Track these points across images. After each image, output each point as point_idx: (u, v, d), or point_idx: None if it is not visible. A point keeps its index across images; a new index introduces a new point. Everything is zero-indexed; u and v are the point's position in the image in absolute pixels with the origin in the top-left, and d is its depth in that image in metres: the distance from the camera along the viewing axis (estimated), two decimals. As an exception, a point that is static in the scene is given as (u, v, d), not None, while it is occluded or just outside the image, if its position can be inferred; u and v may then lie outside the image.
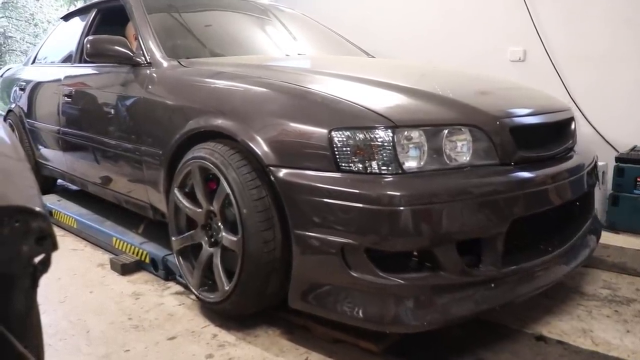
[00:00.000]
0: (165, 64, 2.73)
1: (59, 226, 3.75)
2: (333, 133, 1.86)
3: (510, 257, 2.01)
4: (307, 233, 1.89)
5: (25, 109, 4.24)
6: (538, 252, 2.16)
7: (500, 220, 1.91)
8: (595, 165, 2.66)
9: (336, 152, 1.85)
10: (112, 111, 2.98)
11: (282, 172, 1.95)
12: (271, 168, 1.97)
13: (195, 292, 2.35)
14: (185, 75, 2.59)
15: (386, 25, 5.10)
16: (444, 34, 4.69)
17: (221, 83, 2.38)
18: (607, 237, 3.45)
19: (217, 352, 2.08)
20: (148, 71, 2.76)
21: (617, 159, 3.63)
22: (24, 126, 4.26)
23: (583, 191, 2.39)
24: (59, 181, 4.48)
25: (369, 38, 5.22)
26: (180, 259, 2.45)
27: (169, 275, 2.76)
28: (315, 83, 2.21)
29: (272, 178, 1.97)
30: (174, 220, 2.46)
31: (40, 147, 4.11)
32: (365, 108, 1.91)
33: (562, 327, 2.26)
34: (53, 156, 3.93)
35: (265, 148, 2.00)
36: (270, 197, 2.01)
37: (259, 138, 2.03)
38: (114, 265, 2.93)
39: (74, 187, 4.22)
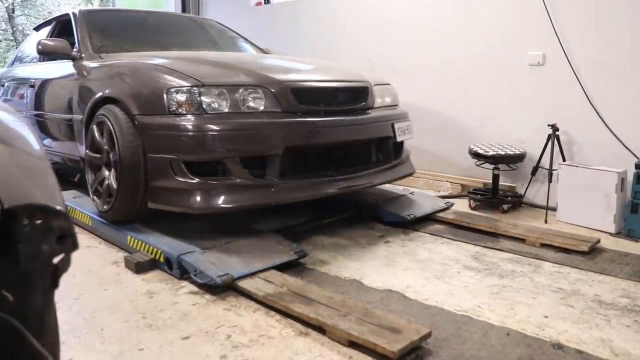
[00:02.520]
0: (91, 57, 3.86)
1: (74, 223, 3.77)
2: (166, 91, 2.97)
3: (291, 173, 3.13)
4: (154, 155, 3.01)
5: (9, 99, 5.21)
6: (314, 175, 3.25)
7: (274, 146, 2.99)
8: (393, 128, 3.67)
9: (168, 103, 2.96)
10: (58, 92, 4.12)
11: (141, 118, 3.05)
12: (136, 116, 3.07)
13: (99, 209, 3.38)
14: (99, 64, 3.72)
15: (405, 30, 5.08)
16: (463, 37, 4.65)
17: (115, 67, 3.52)
18: (626, 245, 3.41)
19: (231, 353, 2.06)
20: (81, 63, 3.86)
21: (637, 166, 3.58)
22: None
23: (365, 138, 3.54)
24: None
25: (386, 39, 5.22)
26: (89, 172, 3.52)
27: (184, 274, 2.76)
28: (159, 60, 3.32)
29: (136, 122, 3.06)
30: (91, 148, 3.48)
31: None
32: (186, 74, 3.03)
33: (581, 336, 2.22)
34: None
35: (133, 104, 3.11)
36: (137, 134, 3.05)
37: (130, 99, 3.14)
38: (128, 264, 2.93)
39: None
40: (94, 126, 3.40)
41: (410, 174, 4.00)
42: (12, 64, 5.63)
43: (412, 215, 3.66)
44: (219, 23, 5.24)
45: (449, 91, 4.80)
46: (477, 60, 4.58)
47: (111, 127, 3.15)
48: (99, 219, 3.44)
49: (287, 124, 3.09)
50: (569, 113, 4.08)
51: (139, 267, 2.88)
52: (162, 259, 2.88)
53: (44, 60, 4.69)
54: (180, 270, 2.77)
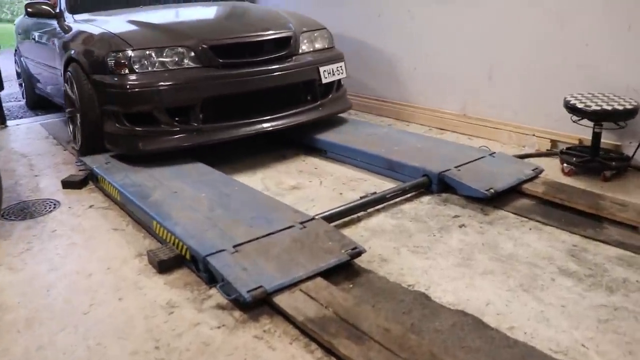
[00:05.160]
0: (68, 17, 4.45)
1: (105, 194, 3.39)
2: (107, 54, 3.54)
3: (215, 119, 3.65)
4: (104, 107, 3.59)
5: (21, 49, 6.15)
6: (235, 119, 3.72)
7: (193, 98, 3.53)
8: (318, 71, 4.08)
9: (109, 64, 3.52)
10: (50, 45, 4.66)
11: (93, 76, 3.62)
12: (90, 75, 3.64)
13: (76, 148, 4.06)
14: (73, 23, 4.30)
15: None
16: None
17: (78, 32, 4.09)
18: None
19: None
20: (62, 22, 4.43)
21: None
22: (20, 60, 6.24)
23: (285, 83, 3.93)
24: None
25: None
26: (69, 123, 4.17)
27: (212, 280, 2.30)
28: (110, 25, 3.86)
29: (90, 80, 3.63)
30: (67, 101, 4.11)
31: (30, 73, 5.87)
32: (122, 40, 3.59)
33: None
34: (34, 78, 5.80)
35: (87, 65, 3.67)
36: (92, 90, 3.62)
37: (85, 59, 3.71)
38: (151, 260, 2.50)
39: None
40: (66, 83, 4.03)
41: (342, 111, 4.41)
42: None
43: (492, 190, 3.00)
44: None
45: (538, 24, 3.92)
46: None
47: (74, 84, 3.78)
48: (128, 193, 3.03)
49: (203, 77, 3.57)
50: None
51: (163, 266, 2.45)
52: (188, 256, 2.44)
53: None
54: (207, 274, 2.31)
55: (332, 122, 4.35)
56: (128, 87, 3.45)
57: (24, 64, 6.03)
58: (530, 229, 2.76)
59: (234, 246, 2.37)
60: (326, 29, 4.45)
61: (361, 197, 3.03)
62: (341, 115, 4.53)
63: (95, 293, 2.32)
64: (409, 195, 3.20)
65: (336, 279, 2.29)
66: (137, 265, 2.54)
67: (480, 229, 2.77)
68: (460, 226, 2.81)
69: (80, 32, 4.03)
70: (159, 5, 4.69)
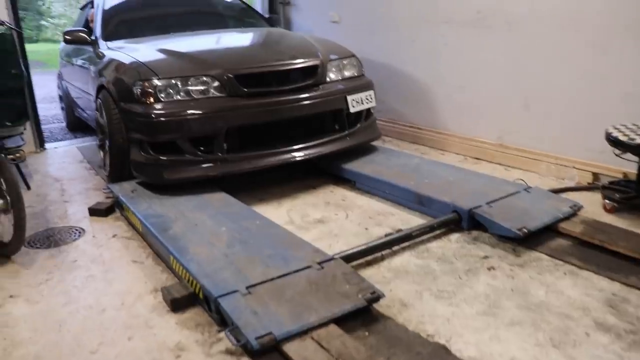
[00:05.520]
0: (102, 44, 4.48)
1: (129, 223, 3.38)
2: (134, 83, 3.55)
3: (239, 149, 3.63)
4: (132, 135, 3.61)
5: (62, 73, 6.35)
6: (259, 149, 3.66)
7: (217, 128, 3.51)
8: (346, 100, 3.99)
9: (136, 92, 3.53)
10: (86, 71, 4.70)
11: (121, 104, 3.65)
12: (119, 103, 3.66)
13: (104, 171, 4.10)
14: (104, 50, 4.33)
15: None
16: None
17: (108, 59, 4.11)
18: None
19: None
20: (97, 49, 4.47)
21: None
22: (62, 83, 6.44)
23: (310, 113, 3.84)
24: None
25: None
26: (100, 150, 4.19)
27: (224, 322, 2.22)
28: (139, 54, 3.87)
29: (119, 107, 3.66)
30: (98, 128, 4.15)
31: (71, 97, 5.99)
32: (149, 68, 3.60)
33: None
34: (74, 102, 5.92)
35: (116, 92, 3.71)
36: (120, 118, 3.66)
37: (114, 87, 3.75)
38: (165, 298, 2.45)
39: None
40: (97, 110, 4.07)
41: (370, 141, 4.31)
42: None
43: (525, 230, 2.83)
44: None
45: (579, 51, 3.73)
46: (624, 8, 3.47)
47: (104, 111, 3.83)
48: (149, 224, 3.00)
49: (228, 107, 3.55)
50: None
51: (176, 305, 2.39)
52: (201, 296, 2.37)
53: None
54: (219, 315, 2.23)
55: (363, 151, 4.25)
56: (153, 116, 3.44)
57: (64, 87, 6.19)
58: (564, 274, 2.58)
59: (247, 287, 2.29)
60: (355, 57, 4.35)
61: (386, 235, 2.91)
62: (374, 143, 4.43)
63: (105, 331, 2.27)
64: (437, 232, 3.06)
65: (352, 324, 2.18)
66: (151, 301, 2.48)
67: (510, 272, 2.61)
68: (489, 268, 2.65)
69: (111, 60, 4.04)
70: (189, 32, 4.65)
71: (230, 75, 3.60)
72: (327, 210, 3.51)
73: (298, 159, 3.73)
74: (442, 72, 4.80)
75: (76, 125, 6.29)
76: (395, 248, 2.88)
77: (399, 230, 2.96)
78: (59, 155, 5.24)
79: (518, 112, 4.21)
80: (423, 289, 2.48)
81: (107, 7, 4.86)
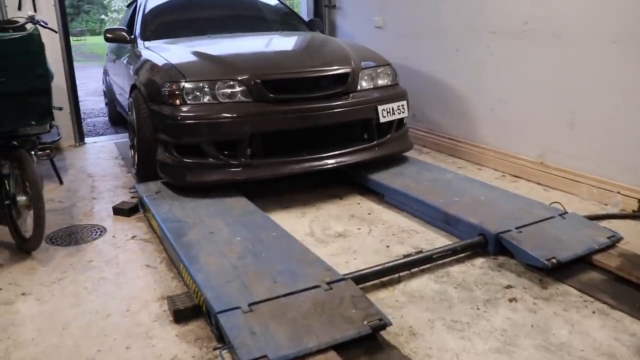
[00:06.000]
0: (140, 43, 4.53)
1: (150, 225, 3.37)
2: (162, 84, 3.57)
3: (264, 155, 3.60)
4: (159, 136, 3.63)
5: (107, 69, 6.50)
6: (283, 155, 3.62)
7: (241, 133, 3.47)
8: (377, 110, 3.87)
9: (163, 94, 3.55)
10: (124, 69, 4.76)
11: (150, 105, 3.70)
12: (148, 103, 3.72)
13: (133, 169, 4.13)
14: (141, 50, 4.35)
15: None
16: None
17: (144, 56, 4.15)
18: None
19: None
20: (135, 48, 4.52)
21: None
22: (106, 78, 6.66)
23: (338, 121, 3.78)
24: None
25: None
26: (131, 148, 4.21)
27: (222, 339, 2.15)
28: (171, 55, 3.90)
29: (148, 108, 3.70)
30: (130, 127, 4.20)
31: (112, 92, 6.16)
32: (178, 70, 3.61)
33: None
34: (115, 98, 6.02)
35: (146, 93, 3.77)
36: (149, 118, 3.68)
37: (144, 87, 3.81)
38: (169, 307, 2.40)
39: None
40: (129, 110, 4.10)
41: (400, 152, 4.20)
42: None
43: (554, 260, 2.65)
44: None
45: (629, 66, 3.47)
46: None
47: (134, 110, 3.87)
48: (166, 229, 2.98)
49: (253, 113, 3.51)
50: None
51: (179, 316, 2.34)
52: (204, 309, 2.31)
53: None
54: (219, 331, 2.17)
55: (395, 161, 4.12)
56: (179, 118, 3.43)
57: (108, 82, 6.32)
58: (593, 312, 2.38)
59: (250, 304, 2.21)
60: (390, 65, 4.23)
61: (404, 256, 2.78)
62: (407, 154, 4.29)
63: (105, 338, 2.24)
64: (460, 255, 2.91)
65: (354, 352, 2.06)
66: (156, 310, 2.45)
67: (533, 305, 2.44)
68: (511, 300, 2.48)
69: (146, 60, 4.06)
70: (225, 35, 4.63)
71: (258, 81, 3.56)
72: (351, 223, 3.41)
73: (322, 167, 3.67)
74: (485, 84, 4.60)
75: (117, 119, 6.43)
76: (413, 270, 2.75)
77: (420, 251, 2.82)
78: (96, 150, 5.34)
79: (562, 130, 3.98)
80: (436, 318, 2.35)
81: (149, 7, 4.94)
